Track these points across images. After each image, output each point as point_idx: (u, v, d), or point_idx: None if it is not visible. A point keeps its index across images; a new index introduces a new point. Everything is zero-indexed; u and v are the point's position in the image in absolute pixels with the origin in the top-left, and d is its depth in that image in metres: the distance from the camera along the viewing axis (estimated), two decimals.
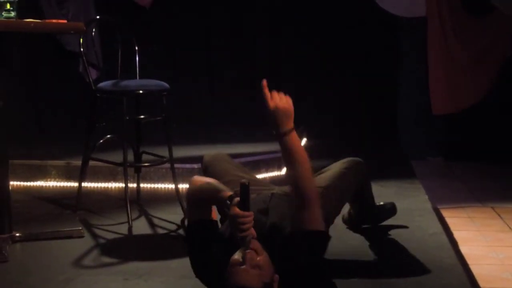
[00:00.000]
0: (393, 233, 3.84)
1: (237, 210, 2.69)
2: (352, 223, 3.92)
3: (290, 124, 2.78)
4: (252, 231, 2.71)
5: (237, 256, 2.65)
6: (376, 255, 3.56)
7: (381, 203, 3.95)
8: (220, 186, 2.92)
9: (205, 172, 3.59)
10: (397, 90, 6.06)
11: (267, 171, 5.07)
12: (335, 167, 3.53)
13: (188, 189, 3.04)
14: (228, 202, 2.77)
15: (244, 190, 2.68)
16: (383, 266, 3.44)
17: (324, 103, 6.37)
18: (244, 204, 2.69)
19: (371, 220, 3.92)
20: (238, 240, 2.69)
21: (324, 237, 2.90)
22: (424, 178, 5.08)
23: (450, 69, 5.60)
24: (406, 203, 4.44)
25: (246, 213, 2.68)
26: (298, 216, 2.81)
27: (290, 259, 2.76)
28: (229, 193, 2.81)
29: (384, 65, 6.28)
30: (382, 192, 4.67)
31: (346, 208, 3.77)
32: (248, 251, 2.65)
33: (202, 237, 2.89)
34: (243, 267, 2.61)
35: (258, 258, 2.65)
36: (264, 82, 2.79)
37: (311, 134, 6.16)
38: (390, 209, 3.95)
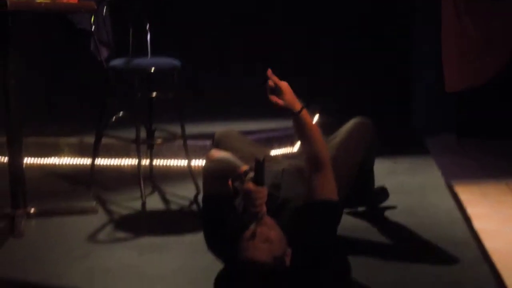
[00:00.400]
0: (406, 210, 3.84)
1: (251, 185, 2.70)
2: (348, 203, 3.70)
3: (298, 105, 2.85)
4: (264, 207, 2.72)
5: (249, 231, 2.67)
6: (389, 231, 3.56)
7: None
8: (236, 161, 2.93)
9: (216, 148, 3.60)
10: (411, 67, 6.03)
11: (279, 147, 5.06)
12: (342, 134, 3.47)
13: (205, 163, 3.05)
14: (243, 177, 2.78)
15: (259, 166, 2.69)
16: (396, 242, 3.45)
17: (336, 80, 6.35)
18: (258, 180, 2.70)
19: (368, 199, 3.78)
20: (251, 215, 2.70)
21: (337, 207, 2.92)
22: (437, 154, 5.06)
23: (463, 47, 5.56)
24: (419, 179, 4.44)
25: (260, 188, 2.69)
26: (311, 185, 2.83)
27: (304, 231, 2.78)
28: (244, 168, 2.82)
29: (397, 42, 6.25)
30: (395, 169, 4.67)
31: None
32: (259, 226, 2.67)
33: (217, 210, 2.91)
34: (253, 241, 2.63)
35: (269, 233, 2.66)
36: (269, 72, 2.82)
37: (323, 111, 6.15)
38: (383, 193, 3.87)
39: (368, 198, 3.75)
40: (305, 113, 2.84)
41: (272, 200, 2.91)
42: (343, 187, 3.18)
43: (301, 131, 2.87)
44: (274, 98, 2.81)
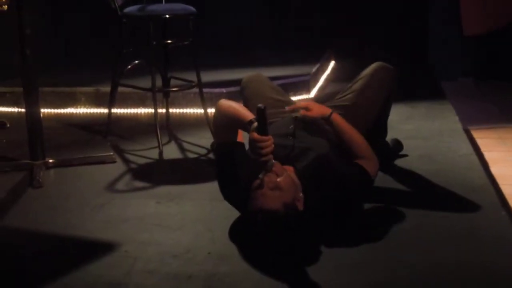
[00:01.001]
0: (423, 155, 3.83)
1: (255, 135, 2.70)
2: None
3: (327, 110, 3.13)
4: (270, 156, 2.73)
5: (257, 180, 2.69)
6: (406, 177, 3.55)
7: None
8: (242, 110, 2.93)
9: (241, 92, 3.60)
10: (428, 10, 5.94)
11: (295, 94, 5.04)
12: (363, 79, 3.45)
13: (214, 113, 3.07)
14: (248, 126, 2.79)
15: (261, 114, 2.68)
16: (413, 188, 3.45)
17: (352, 24, 6.28)
18: (261, 129, 2.69)
19: (384, 151, 3.66)
20: (259, 164, 2.71)
21: (371, 182, 3.02)
22: (454, 99, 5.02)
23: None
24: (436, 124, 4.42)
25: (264, 137, 2.69)
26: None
27: (331, 183, 2.86)
28: (250, 117, 2.81)
29: None
30: (412, 113, 4.65)
31: None
32: (266, 174, 2.68)
33: (229, 159, 2.94)
34: (261, 190, 2.66)
35: (278, 180, 2.68)
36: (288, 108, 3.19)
37: (339, 55, 6.10)
38: (398, 145, 3.84)
39: (382, 152, 3.67)
40: (335, 116, 3.10)
41: (286, 148, 2.92)
42: (362, 133, 3.18)
43: (336, 132, 3.10)
44: (305, 113, 3.12)
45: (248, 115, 2.85)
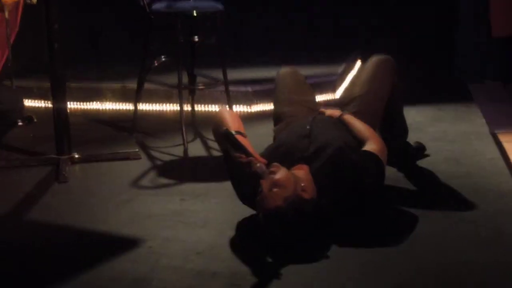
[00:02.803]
0: (449, 158, 3.80)
1: (233, 154, 2.85)
2: None
3: (337, 112, 3.28)
4: (261, 160, 2.82)
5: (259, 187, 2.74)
6: (432, 180, 3.53)
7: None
8: (223, 125, 3.03)
9: (275, 85, 3.62)
10: (457, 12, 5.90)
11: (321, 93, 5.02)
12: (365, 73, 3.48)
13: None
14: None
15: (227, 138, 2.87)
16: (438, 191, 3.42)
17: (379, 25, 6.25)
18: (235, 148, 2.85)
19: (405, 156, 3.68)
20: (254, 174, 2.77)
21: (382, 164, 3.00)
22: (481, 102, 4.98)
23: None
24: (463, 126, 4.38)
25: (239, 155, 2.81)
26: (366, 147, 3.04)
27: (345, 175, 2.86)
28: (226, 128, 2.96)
29: None
30: (439, 116, 4.62)
31: None
32: (263, 179, 2.72)
33: (235, 166, 2.95)
34: (262, 194, 2.69)
35: (274, 178, 2.70)
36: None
37: (366, 57, 6.07)
38: (420, 148, 3.80)
39: (403, 152, 3.66)
40: (346, 116, 3.24)
41: (301, 149, 2.97)
42: (373, 125, 3.22)
43: (349, 129, 3.17)
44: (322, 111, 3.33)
45: (227, 126, 3.00)
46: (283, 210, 2.66)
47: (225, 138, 2.88)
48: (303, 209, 2.71)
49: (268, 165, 2.80)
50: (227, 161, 3.01)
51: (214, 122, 3.21)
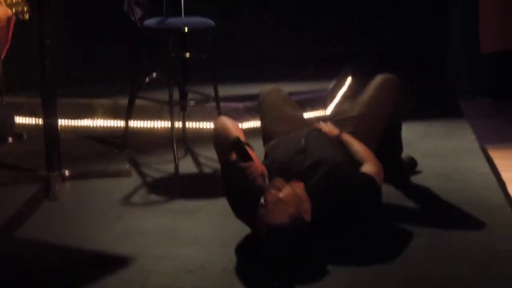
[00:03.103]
0: (440, 174, 3.81)
1: (240, 164, 2.81)
2: None
3: (336, 130, 3.28)
4: (263, 170, 2.82)
5: (261, 200, 2.72)
6: (422, 195, 3.54)
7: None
8: (230, 130, 3.04)
9: (258, 105, 3.64)
10: (447, 28, 5.93)
11: (312, 109, 5.03)
12: (369, 91, 3.49)
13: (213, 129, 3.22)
14: (231, 149, 2.91)
15: (236, 146, 2.82)
16: (429, 207, 3.43)
17: (370, 40, 6.28)
18: (241, 158, 2.81)
19: (397, 171, 3.65)
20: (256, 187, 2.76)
21: (378, 189, 3.00)
22: (472, 118, 5.00)
23: (500, 6, 5.46)
24: (454, 142, 4.40)
25: (247, 164, 2.80)
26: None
27: (341, 194, 2.86)
28: (232, 138, 2.93)
29: (434, 2, 6.15)
30: (429, 132, 4.64)
31: None
32: (268, 192, 2.71)
33: (237, 179, 2.93)
34: (266, 207, 2.68)
35: (280, 195, 2.70)
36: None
37: (356, 73, 6.09)
38: (412, 163, 3.82)
39: (398, 170, 3.65)
40: (345, 135, 3.24)
41: (297, 164, 2.96)
42: (371, 147, 3.20)
43: (347, 148, 3.18)
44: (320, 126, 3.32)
45: (232, 135, 2.97)
46: (287, 227, 2.66)
47: (236, 146, 2.83)
48: (304, 229, 2.72)
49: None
50: (228, 172, 2.98)
51: (215, 131, 3.18)
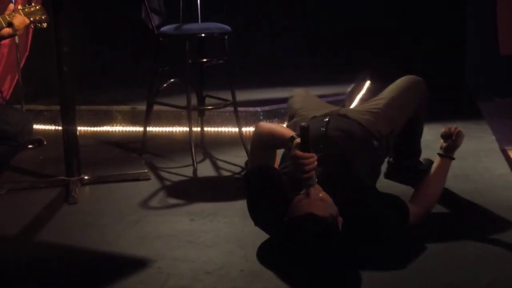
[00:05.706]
0: (460, 175, 3.79)
1: (298, 152, 2.69)
2: (392, 172, 3.69)
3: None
4: (313, 173, 2.72)
5: (301, 194, 2.69)
6: (442, 197, 3.51)
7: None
8: (283, 129, 2.95)
9: (289, 105, 3.65)
10: (466, 30, 5.92)
11: None
12: (393, 90, 3.46)
13: (254, 134, 3.09)
14: (289, 143, 2.78)
15: (304, 132, 2.69)
16: (448, 208, 3.41)
17: (388, 44, 6.27)
18: (304, 146, 2.70)
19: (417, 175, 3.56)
20: (302, 181, 2.70)
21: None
22: (491, 119, 4.97)
23: None
24: (473, 144, 4.37)
25: (307, 154, 2.68)
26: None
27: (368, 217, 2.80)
28: (291, 134, 2.81)
29: (452, 4, 6.14)
30: None
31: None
32: (312, 187, 2.68)
33: (265, 183, 2.90)
34: (309, 199, 2.65)
35: (321, 194, 2.68)
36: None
37: (374, 76, 6.09)
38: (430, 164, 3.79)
39: (416, 172, 3.61)
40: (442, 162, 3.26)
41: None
42: (390, 144, 3.22)
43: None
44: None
45: (290, 132, 2.86)
46: (324, 220, 2.60)
47: (305, 132, 2.67)
48: (336, 233, 2.66)
49: None
50: (260, 175, 2.92)
51: (261, 132, 3.04)
